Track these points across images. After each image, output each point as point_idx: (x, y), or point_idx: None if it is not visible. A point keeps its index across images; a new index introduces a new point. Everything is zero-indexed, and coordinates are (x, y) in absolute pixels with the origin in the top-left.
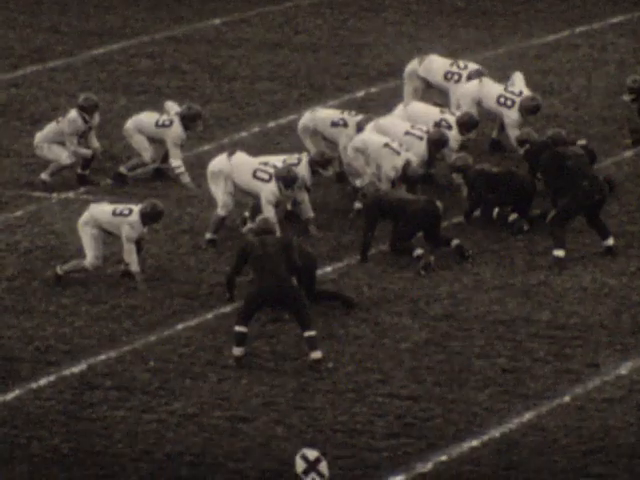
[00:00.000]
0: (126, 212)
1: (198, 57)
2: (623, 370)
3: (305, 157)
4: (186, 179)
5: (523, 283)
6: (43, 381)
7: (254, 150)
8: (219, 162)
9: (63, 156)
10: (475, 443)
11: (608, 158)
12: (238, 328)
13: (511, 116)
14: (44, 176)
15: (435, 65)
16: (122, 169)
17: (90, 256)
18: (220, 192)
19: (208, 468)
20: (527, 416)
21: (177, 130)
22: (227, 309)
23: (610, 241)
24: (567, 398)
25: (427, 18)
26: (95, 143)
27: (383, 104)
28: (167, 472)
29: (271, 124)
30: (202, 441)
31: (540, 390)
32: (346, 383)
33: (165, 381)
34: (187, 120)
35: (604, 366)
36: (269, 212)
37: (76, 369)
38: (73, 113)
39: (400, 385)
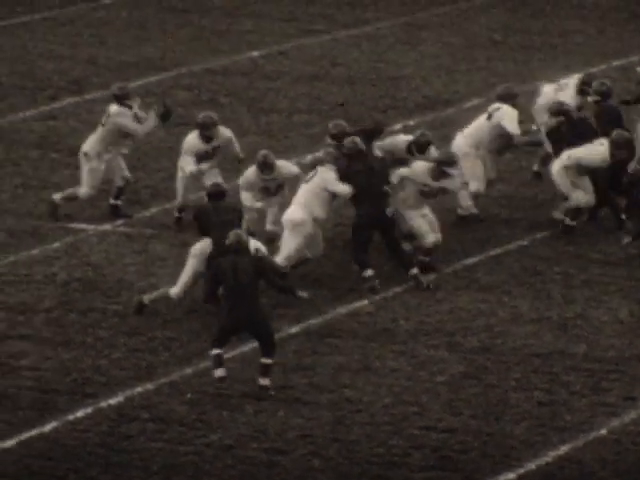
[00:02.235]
0: None
1: (235, 89)
2: None
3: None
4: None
5: (559, 316)
6: (80, 413)
7: (291, 182)
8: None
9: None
10: (511, 476)
11: None
12: (215, 351)
13: None
14: (56, 197)
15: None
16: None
17: None
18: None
19: None
20: (563, 449)
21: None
22: None
23: None
24: (604, 431)
25: (464, 51)
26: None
27: None
28: None
29: (308, 157)
30: (239, 473)
31: (576, 423)
32: (383, 415)
33: (202, 413)
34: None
35: (639, 400)
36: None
37: (113, 401)
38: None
39: (437, 418)
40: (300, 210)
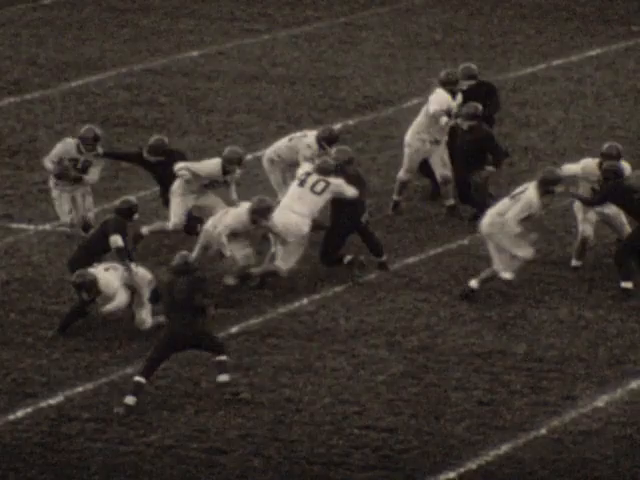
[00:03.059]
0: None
1: (175, 89)
2: (600, 403)
3: None
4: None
5: (500, 315)
6: (20, 413)
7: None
8: None
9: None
10: (452, 475)
11: None
12: (138, 378)
13: None
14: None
15: None
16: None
17: None
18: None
19: None
20: (504, 448)
21: None
22: None
23: None
24: (544, 430)
25: (404, 51)
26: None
27: (360, 137)
28: None
29: (248, 157)
30: (179, 473)
31: (517, 422)
32: (323, 415)
33: (142, 413)
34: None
35: (581, 399)
36: None
37: (53, 401)
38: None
39: (377, 417)
40: (307, 222)
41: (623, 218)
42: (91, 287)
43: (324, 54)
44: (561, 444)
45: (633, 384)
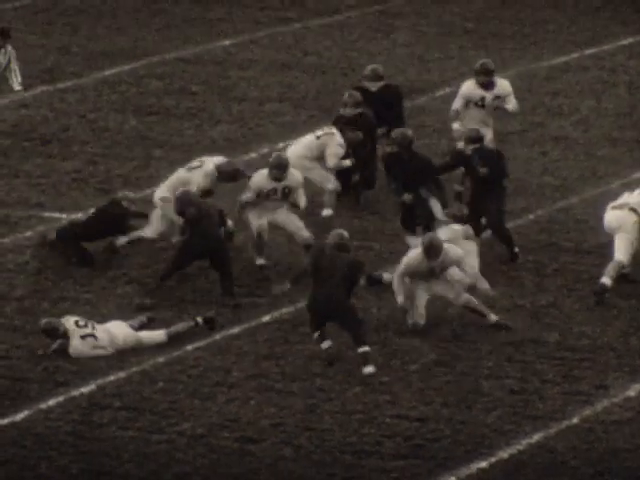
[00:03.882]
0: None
1: (207, 78)
2: (632, 392)
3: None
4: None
5: (532, 304)
6: (52, 402)
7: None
8: None
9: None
10: (483, 464)
11: (617, 180)
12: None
13: None
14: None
15: None
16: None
17: None
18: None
19: None
20: (535, 437)
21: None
22: (235, 330)
23: None
24: (576, 420)
25: (437, 40)
26: None
27: None
28: None
29: (280, 145)
30: (210, 462)
31: (549, 411)
32: (355, 404)
33: (173, 402)
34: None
35: (613, 388)
36: None
37: (85, 390)
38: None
39: (409, 406)
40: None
41: None
42: (55, 336)
43: (356, 43)
44: (593, 433)
45: None
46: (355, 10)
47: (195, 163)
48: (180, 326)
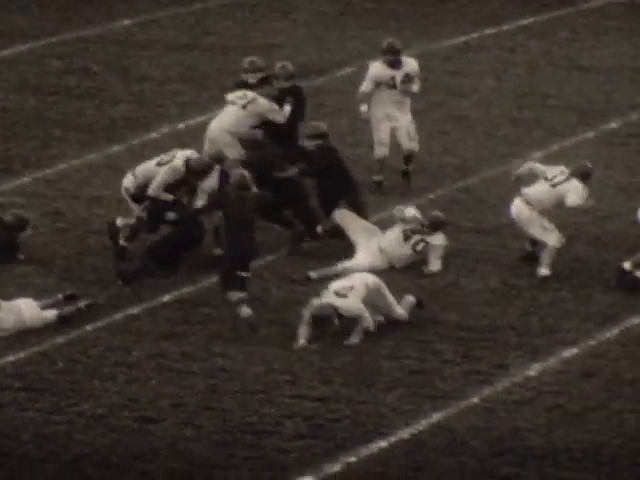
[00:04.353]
0: None
1: (108, 58)
2: (532, 372)
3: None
4: None
5: (432, 284)
6: None
7: (164, 150)
8: None
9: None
10: (383, 444)
11: (518, 159)
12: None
13: None
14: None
15: None
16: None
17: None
18: None
19: (116, 469)
20: (435, 417)
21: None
22: (134, 310)
23: None
24: (475, 399)
25: (337, 19)
26: None
27: None
28: (75, 473)
29: (181, 125)
30: (110, 442)
31: (448, 391)
32: (255, 384)
33: (73, 382)
34: None
35: (513, 367)
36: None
37: None
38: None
39: (308, 386)
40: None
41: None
42: None
43: (257, 23)
44: (493, 413)
45: (565, 353)
46: None
47: (165, 157)
48: (68, 309)
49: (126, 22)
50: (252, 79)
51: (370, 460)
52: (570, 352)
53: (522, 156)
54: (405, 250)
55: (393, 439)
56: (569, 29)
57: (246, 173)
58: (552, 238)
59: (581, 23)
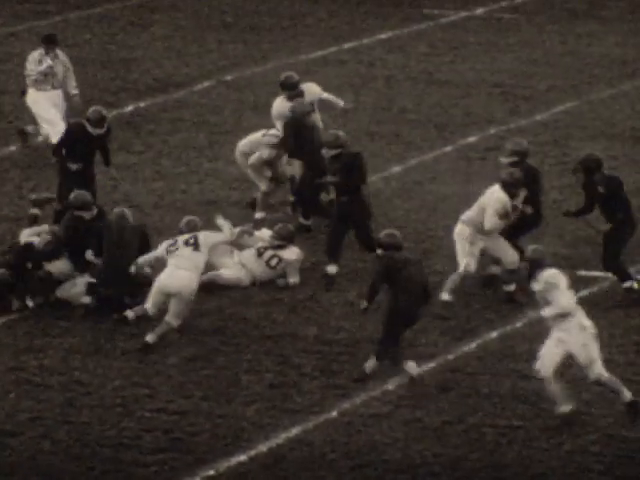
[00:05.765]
0: None
1: None
2: (390, 385)
3: None
4: None
5: (291, 298)
6: None
7: (21, 165)
8: None
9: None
10: (243, 458)
11: (376, 173)
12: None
13: None
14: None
15: None
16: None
17: None
18: None
19: None
20: (294, 431)
21: None
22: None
23: None
24: (334, 413)
25: (195, 33)
26: None
27: (151, 119)
28: None
29: (39, 139)
30: None
31: (307, 405)
32: (113, 398)
33: None
34: None
35: (371, 381)
36: None
37: None
38: None
39: (167, 400)
40: None
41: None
42: None
43: (116, 36)
44: (351, 427)
45: (423, 367)
46: (114, 3)
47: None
48: None
49: None
50: (98, 131)
51: (229, 474)
52: (428, 366)
53: (380, 170)
54: (260, 266)
55: (252, 453)
56: (427, 43)
57: (126, 210)
58: (462, 264)
59: (439, 37)
